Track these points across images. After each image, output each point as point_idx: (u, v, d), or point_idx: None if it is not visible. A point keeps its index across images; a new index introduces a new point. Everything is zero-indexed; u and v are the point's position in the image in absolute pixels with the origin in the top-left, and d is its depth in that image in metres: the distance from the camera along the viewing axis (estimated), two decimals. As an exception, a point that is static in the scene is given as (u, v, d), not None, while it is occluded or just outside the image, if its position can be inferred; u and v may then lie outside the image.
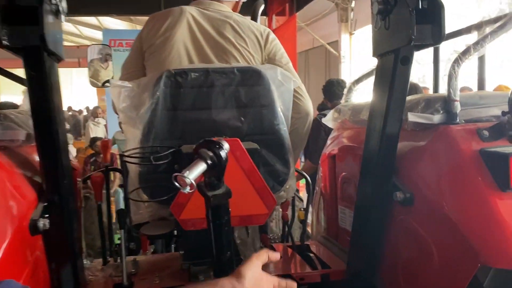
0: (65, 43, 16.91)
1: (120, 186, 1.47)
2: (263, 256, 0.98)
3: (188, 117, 1.43)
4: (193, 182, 0.90)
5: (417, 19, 1.10)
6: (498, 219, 1.08)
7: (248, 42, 1.72)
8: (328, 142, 2.05)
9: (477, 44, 1.24)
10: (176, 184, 0.91)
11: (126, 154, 1.38)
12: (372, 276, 1.48)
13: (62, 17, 1.05)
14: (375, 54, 1.29)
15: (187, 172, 0.90)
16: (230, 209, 1.06)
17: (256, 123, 1.48)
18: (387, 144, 1.30)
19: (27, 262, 1.08)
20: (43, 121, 1.10)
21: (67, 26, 16.43)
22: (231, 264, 1.11)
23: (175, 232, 1.57)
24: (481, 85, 1.56)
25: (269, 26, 7.01)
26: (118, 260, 1.67)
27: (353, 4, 9.49)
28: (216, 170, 0.97)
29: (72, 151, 6.35)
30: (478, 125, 1.24)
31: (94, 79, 2.77)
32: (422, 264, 1.27)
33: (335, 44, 10.21)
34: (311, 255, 1.82)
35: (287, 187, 1.57)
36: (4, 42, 0.98)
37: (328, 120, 2.03)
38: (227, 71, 1.44)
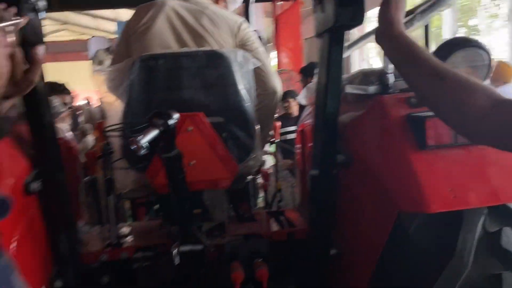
0: (84, 37, 17.28)
1: (99, 157, 1.72)
2: None
3: (160, 97, 1.64)
4: (143, 145, 1.11)
5: (341, 2, 1.28)
6: (414, 172, 1.26)
7: (222, 30, 1.92)
8: (302, 117, 2.25)
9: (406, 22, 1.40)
10: (132, 147, 1.12)
11: (108, 129, 1.61)
12: (328, 232, 1.67)
13: (41, 13, 1.26)
14: (316, 34, 1.47)
15: (140, 136, 1.11)
16: (185, 170, 1.28)
17: (222, 101, 1.68)
18: (329, 114, 1.48)
19: (23, 214, 1.33)
20: (30, 100, 1.33)
21: (85, 20, 16.80)
22: (190, 214, 1.33)
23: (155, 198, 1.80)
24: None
25: (274, 11, 7.14)
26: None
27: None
28: (167, 135, 1.18)
29: (91, 140, 6.66)
30: (409, 94, 1.42)
31: (100, 68, 3.04)
32: (359, 217, 1.47)
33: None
34: (284, 219, 2.03)
35: (253, 156, 1.77)
36: None
37: (301, 98, 2.23)
38: (193, 55, 1.64)
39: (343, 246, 1.60)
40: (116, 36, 8.81)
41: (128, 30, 1.97)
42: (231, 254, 1.62)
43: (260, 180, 2.37)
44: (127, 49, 1.97)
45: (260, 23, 8.07)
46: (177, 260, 1.34)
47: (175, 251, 1.35)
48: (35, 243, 1.41)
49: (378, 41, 1.12)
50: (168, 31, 1.91)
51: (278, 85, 1.99)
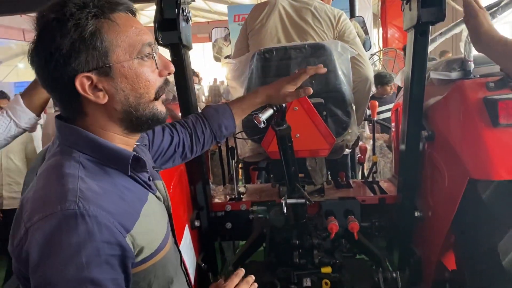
0: (197, 19, 18.46)
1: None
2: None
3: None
4: (264, 120, 1.50)
5: (425, 2, 1.52)
6: (485, 145, 1.48)
7: (323, 24, 2.24)
8: (398, 97, 2.48)
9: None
10: (255, 121, 1.53)
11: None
12: (413, 197, 1.93)
13: (190, 22, 1.72)
14: (404, 29, 1.73)
15: (260, 114, 1.51)
16: (292, 140, 1.66)
17: (323, 84, 2.01)
18: (416, 96, 1.74)
19: (176, 169, 1.83)
20: (181, 86, 1.80)
21: (198, 2, 17.89)
22: (296, 174, 1.72)
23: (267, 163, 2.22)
24: None
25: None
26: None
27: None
28: (280, 113, 1.56)
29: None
30: (488, 79, 1.61)
31: (218, 55, 3.56)
32: (438, 184, 1.72)
33: None
34: (377, 187, 2.33)
35: (350, 131, 2.08)
36: (160, 41, 1.67)
37: (398, 79, 2.46)
38: (300, 47, 1.99)
39: (425, 209, 1.87)
40: (227, 18, 9.49)
41: (246, 28, 2.39)
42: (328, 210, 1.98)
43: (358, 154, 2.68)
44: (246, 44, 2.39)
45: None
46: (285, 209, 1.74)
47: (283, 202, 1.75)
48: (183, 191, 1.92)
49: (478, 49, 1.37)
50: (279, 27, 2.28)
51: (371, 74, 2.26)
